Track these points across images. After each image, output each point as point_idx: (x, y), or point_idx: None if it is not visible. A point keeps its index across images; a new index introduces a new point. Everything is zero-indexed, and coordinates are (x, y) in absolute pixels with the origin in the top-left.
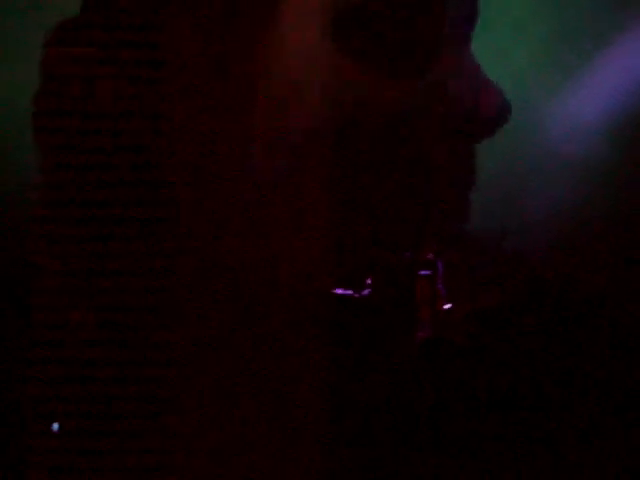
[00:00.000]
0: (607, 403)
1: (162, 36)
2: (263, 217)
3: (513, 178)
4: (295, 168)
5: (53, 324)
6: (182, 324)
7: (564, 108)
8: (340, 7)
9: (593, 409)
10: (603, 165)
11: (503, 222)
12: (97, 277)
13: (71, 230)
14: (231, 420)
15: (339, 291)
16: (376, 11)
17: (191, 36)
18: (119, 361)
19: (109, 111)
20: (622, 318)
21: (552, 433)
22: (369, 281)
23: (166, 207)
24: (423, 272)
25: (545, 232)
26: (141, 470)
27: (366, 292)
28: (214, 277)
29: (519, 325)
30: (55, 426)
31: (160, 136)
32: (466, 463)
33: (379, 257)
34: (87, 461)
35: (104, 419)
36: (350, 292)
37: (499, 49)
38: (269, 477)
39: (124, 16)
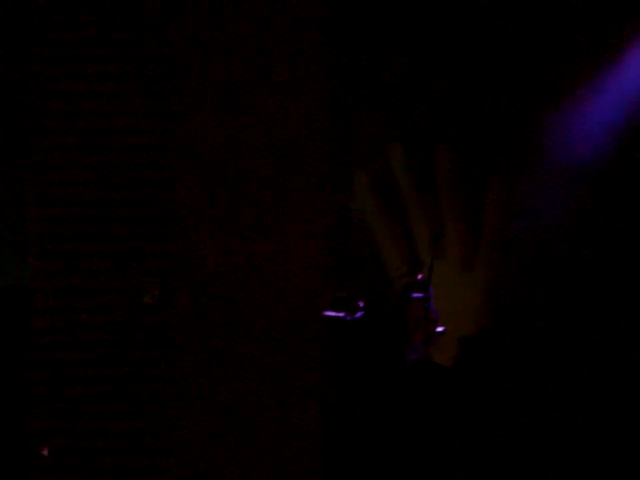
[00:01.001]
0: (593, 421)
1: (174, 51)
2: (263, 237)
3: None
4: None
5: (55, 326)
6: (182, 330)
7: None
8: None
9: (581, 426)
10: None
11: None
12: (97, 278)
13: (74, 230)
14: (229, 429)
15: (332, 313)
16: None
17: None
18: (121, 361)
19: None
20: (611, 339)
21: (536, 449)
22: (362, 304)
23: (172, 218)
24: (416, 295)
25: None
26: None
27: (359, 314)
28: (215, 293)
29: (508, 348)
30: (46, 451)
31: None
32: (453, 474)
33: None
34: (88, 461)
35: (104, 420)
36: (343, 314)
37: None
38: None
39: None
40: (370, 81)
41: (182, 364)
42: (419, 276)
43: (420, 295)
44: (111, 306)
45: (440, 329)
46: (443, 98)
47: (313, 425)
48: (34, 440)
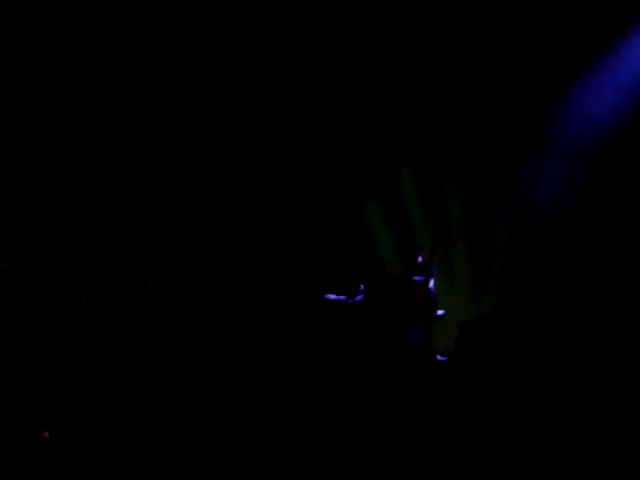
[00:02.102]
0: (586, 412)
1: None
2: (263, 224)
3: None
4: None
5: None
6: (177, 317)
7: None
8: None
9: (576, 415)
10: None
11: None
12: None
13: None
14: (226, 419)
15: (333, 297)
16: None
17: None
18: (121, 360)
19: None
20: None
21: (535, 435)
22: (362, 287)
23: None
24: (417, 278)
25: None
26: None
27: (359, 298)
28: (213, 279)
29: (509, 333)
30: (46, 434)
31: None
32: (453, 458)
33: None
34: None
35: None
36: (344, 298)
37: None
38: (267, 476)
39: None
40: (382, 108)
41: (182, 354)
42: (419, 259)
43: (421, 278)
44: (115, 291)
45: (440, 312)
46: (452, 121)
47: (314, 408)
48: (36, 423)
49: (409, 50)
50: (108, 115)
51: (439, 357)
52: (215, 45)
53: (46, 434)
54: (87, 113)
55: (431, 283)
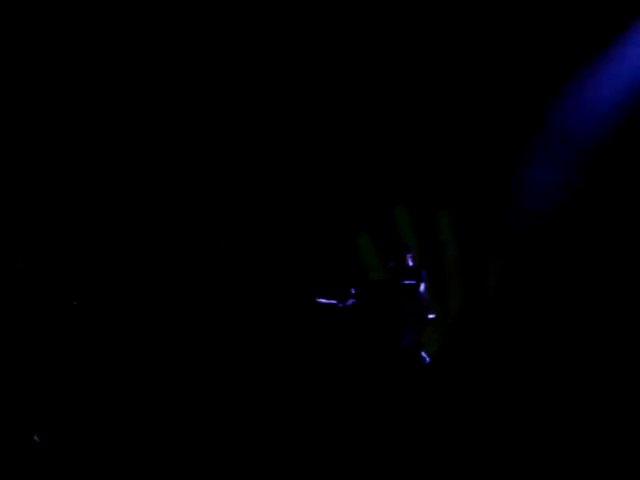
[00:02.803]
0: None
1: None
2: (258, 228)
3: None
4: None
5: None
6: (173, 317)
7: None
8: None
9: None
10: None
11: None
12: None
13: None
14: (224, 420)
15: (323, 300)
16: None
17: None
18: (122, 359)
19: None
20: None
21: (525, 439)
22: (353, 291)
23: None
24: (407, 281)
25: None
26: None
27: (350, 302)
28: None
29: (497, 337)
30: (37, 438)
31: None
32: (442, 462)
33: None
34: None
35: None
36: (334, 301)
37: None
38: (267, 476)
39: None
40: (376, 141)
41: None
42: (409, 262)
43: (411, 282)
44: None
45: (430, 316)
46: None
47: (307, 411)
48: (27, 427)
49: (401, 73)
50: (102, 129)
51: (428, 360)
52: (215, 45)
53: (36, 438)
54: (82, 124)
55: (422, 287)
